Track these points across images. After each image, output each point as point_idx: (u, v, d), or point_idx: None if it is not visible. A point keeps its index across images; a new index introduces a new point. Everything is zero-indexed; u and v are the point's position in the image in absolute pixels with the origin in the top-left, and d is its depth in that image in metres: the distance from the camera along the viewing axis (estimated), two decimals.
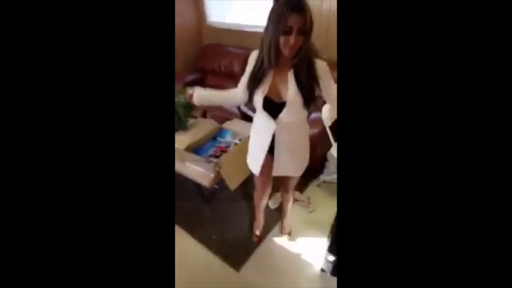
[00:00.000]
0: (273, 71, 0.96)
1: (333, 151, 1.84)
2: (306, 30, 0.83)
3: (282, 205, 1.60)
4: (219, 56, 2.88)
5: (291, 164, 1.18)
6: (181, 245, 1.63)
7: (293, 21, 0.80)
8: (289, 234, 1.67)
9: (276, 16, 0.82)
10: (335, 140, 1.83)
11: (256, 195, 1.45)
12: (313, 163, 2.03)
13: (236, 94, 1.11)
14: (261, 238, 1.66)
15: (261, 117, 1.07)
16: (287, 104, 0.97)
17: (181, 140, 1.69)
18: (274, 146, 1.10)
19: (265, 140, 1.09)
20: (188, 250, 1.63)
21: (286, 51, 0.87)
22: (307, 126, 1.16)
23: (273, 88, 0.98)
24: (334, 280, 1.39)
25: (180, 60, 2.98)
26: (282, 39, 0.84)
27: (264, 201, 1.48)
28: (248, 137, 1.25)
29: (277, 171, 1.18)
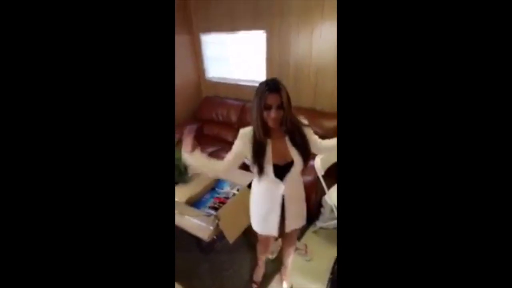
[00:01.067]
0: (270, 141, 1.10)
1: (327, 197, 1.92)
2: (283, 105, 1.01)
3: (282, 256, 1.63)
4: (216, 107, 3.10)
5: (297, 217, 1.31)
6: None
7: (272, 99, 1.00)
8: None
9: (258, 95, 1.01)
10: (328, 188, 1.93)
11: (260, 250, 1.52)
12: (309, 210, 2.09)
13: (225, 170, 1.18)
14: (260, 287, 1.67)
15: (266, 182, 1.16)
16: (294, 164, 1.12)
17: (182, 193, 1.77)
18: (285, 205, 1.21)
19: (276, 202, 1.20)
20: None
21: (270, 123, 1.04)
22: (301, 178, 1.28)
23: (276, 155, 1.11)
24: None
25: (180, 113, 3.21)
26: (265, 114, 1.02)
27: (269, 251, 1.55)
28: (246, 189, 1.34)
29: (289, 227, 1.29)
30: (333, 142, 1.20)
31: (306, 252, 1.90)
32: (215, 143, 2.87)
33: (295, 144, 1.11)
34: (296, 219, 1.30)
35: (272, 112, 1.00)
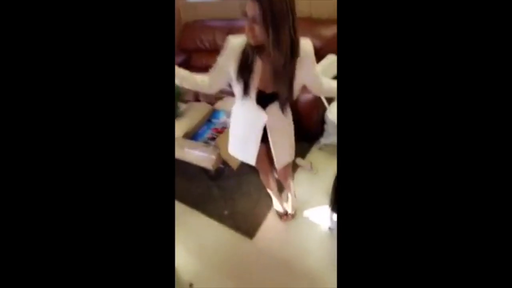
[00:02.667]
0: (260, 60, 0.91)
1: (329, 113, 1.84)
2: (263, 20, 0.76)
3: (284, 190, 1.55)
4: (200, 33, 2.77)
5: (287, 151, 1.20)
6: (196, 225, 1.73)
7: (247, 8, 0.78)
8: (293, 216, 1.63)
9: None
10: (328, 103, 1.82)
11: (262, 178, 1.45)
12: (312, 128, 2.06)
13: (208, 85, 1.01)
14: (291, 215, 1.63)
15: (247, 108, 1.03)
16: (280, 96, 0.96)
17: (178, 128, 1.71)
18: (269, 137, 1.09)
19: (256, 132, 1.08)
20: (203, 227, 1.74)
21: (249, 39, 0.84)
22: (289, 112, 1.12)
23: (263, 79, 0.93)
24: None
25: None
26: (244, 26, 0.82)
27: (273, 182, 1.48)
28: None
29: (279, 163, 1.20)
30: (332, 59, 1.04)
31: (311, 168, 1.93)
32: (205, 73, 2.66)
33: (276, 74, 0.90)
34: (284, 154, 1.20)
35: (247, 24, 0.79)
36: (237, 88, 0.97)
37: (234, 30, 2.53)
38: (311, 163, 1.97)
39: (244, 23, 0.81)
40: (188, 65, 2.83)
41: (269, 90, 0.96)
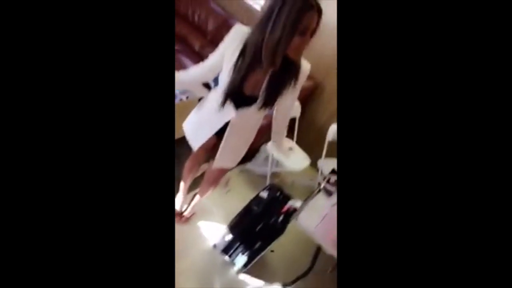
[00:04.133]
0: (259, 61, 0.85)
1: (269, 146, 1.92)
2: (317, 31, 0.76)
3: (199, 191, 1.47)
4: (197, 5, 2.62)
5: (232, 157, 1.17)
6: None
7: (310, 21, 0.74)
8: (186, 220, 1.54)
9: (289, 10, 0.72)
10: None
11: (186, 165, 1.36)
12: (247, 151, 2.10)
13: (208, 70, 0.98)
14: (186, 218, 1.53)
15: (219, 99, 0.97)
16: (258, 102, 0.93)
17: None
18: (225, 135, 1.05)
19: (216, 123, 1.03)
20: None
21: (293, 53, 0.79)
22: (260, 123, 1.11)
23: (250, 80, 0.90)
24: (220, 257, 1.47)
25: None
26: (296, 41, 0.75)
27: (191, 177, 1.40)
28: (197, 102, 1.16)
29: (218, 163, 1.15)
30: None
31: (226, 184, 1.92)
32: (177, 43, 2.47)
33: (276, 83, 0.88)
34: (229, 156, 1.15)
35: (307, 39, 0.75)
36: (224, 76, 0.92)
37: (226, 25, 2.50)
38: (229, 178, 1.96)
39: (298, 41, 0.76)
40: None
41: (249, 92, 0.93)
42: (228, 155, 1.14)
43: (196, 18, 2.61)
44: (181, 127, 1.19)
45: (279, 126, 1.12)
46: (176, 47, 2.39)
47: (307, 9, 0.72)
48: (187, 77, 1.01)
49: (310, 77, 2.17)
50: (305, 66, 0.93)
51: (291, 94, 0.95)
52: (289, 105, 1.03)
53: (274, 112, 1.07)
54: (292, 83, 0.91)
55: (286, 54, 0.80)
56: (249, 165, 2.15)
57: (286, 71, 0.88)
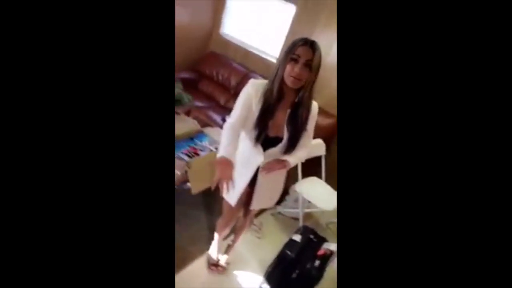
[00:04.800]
0: (278, 106, 0.97)
1: (297, 186, 1.93)
2: (313, 64, 0.88)
3: (235, 229, 1.50)
4: (220, 65, 2.96)
5: (268, 198, 1.22)
6: None
7: (302, 51, 0.88)
8: (223, 269, 1.55)
9: (290, 46, 0.91)
10: (302, 177, 1.94)
11: (221, 221, 1.39)
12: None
13: (238, 129, 1.03)
14: (221, 268, 1.55)
15: (249, 147, 1.04)
16: (283, 141, 1.01)
17: None
18: (257, 179, 1.09)
19: (249, 170, 1.07)
20: None
21: (289, 80, 0.90)
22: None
23: (274, 124, 0.99)
24: None
25: (181, 56, 3.00)
26: (288, 67, 0.89)
27: (227, 230, 1.44)
28: None
29: (255, 205, 1.18)
30: (316, 141, 1.14)
31: (260, 229, 1.91)
32: (205, 100, 2.76)
33: (293, 121, 0.97)
34: (265, 198, 1.20)
35: (297, 66, 0.88)
36: (248, 129, 1.01)
37: (246, 79, 2.75)
38: (261, 223, 1.95)
39: (290, 66, 0.89)
40: (194, 85, 2.93)
41: (273, 134, 1.01)
42: (265, 196, 1.19)
43: (220, 77, 2.93)
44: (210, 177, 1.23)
45: (297, 156, 1.11)
46: (204, 104, 2.66)
47: (300, 44, 0.89)
48: (230, 144, 1.00)
49: (331, 115, 2.31)
50: (314, 105, 1.02)
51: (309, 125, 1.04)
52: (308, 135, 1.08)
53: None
54: (306, 122, 1.00)
55: (283, 82, 0.93)
56: (279, 208, 2.14)
57: (299, 109, 0.98)
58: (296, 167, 1.90)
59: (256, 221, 1.95)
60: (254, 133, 1.01)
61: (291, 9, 2.52)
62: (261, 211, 2.06)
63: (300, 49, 0.88)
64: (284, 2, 2.56)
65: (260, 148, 1.04)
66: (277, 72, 0.93)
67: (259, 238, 1.88)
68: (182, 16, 2.79)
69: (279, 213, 2.13)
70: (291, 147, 1.03)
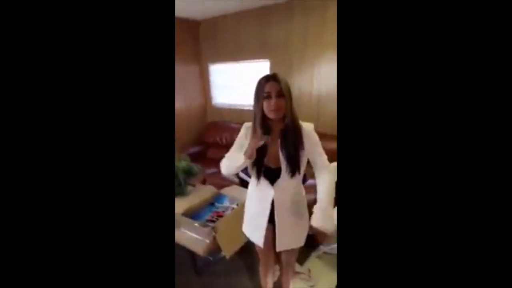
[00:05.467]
0: (270, 139, 1.03)
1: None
2: (283, 93, 0.98)
3: (281, 281, 1.42)
4: (221, 131, 3.16)
5: (293, 234, 1.16)
6: None
7: (270, 87, 0.98)
8: None
9: (257, 87, 1.01)
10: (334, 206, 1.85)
11: (261, 270, 1.36)
12: (312, 232, 1.99)
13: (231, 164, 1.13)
14: None
15: (258, 185, 1.10)
16: (282, 167, 1.05)
17: (179, 206, 1.71)
18: (275, 214, 1.10)
19: (264, 206, 1.10)
20: None
21: (271, 114, 0.99)
22: (303, 189, 1.17)
23: (269, 155, 1.05)
24: None
25: (186, 135, 3.27)
26: (265, 104, 0.99)
27: (270, 278, 1.37)
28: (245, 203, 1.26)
29: (281, 245, 1.13)
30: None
31: (309, 276, 1.75)
32: (217, 165, 2.83)
33: (285, 144, 1.03)
34: (290, 235, 1.14)
35: (272, 100, 0.97)
36: (253, 170, 1.09)
37: None
38: (309, 270, 1.79)
39: (266, 103, 0.99)
40: (203, 155, 3.09)
41: (274, 165, 1.06)
42: (287, 233, 1.14)
43: (224, 140, 3.10)
44: (241, 234, 1.25)
45: (321, 200, 1.08)
46: (217, 169, 2.74)
47: (265, 81, 0.99)
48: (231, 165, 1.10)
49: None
50: (307, 126, 1.08)
51: (308, 145, 1.07)
52: (315, 155, 1.10)
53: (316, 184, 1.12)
54: (299, 143, 1.04)
55: (266, 118, 1.02)
56: (323, 248, 1.98)
57: (287, 135, 1.04)
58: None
59: (302, 269, 1.80)
60: (255, 170, 1.08)
61: (266, 64, 2.80)
62: (305, 257, 1.92)
63: (268, 85, 0.99)
64: (257, 60, 2.86)
65: (266, 182, 1.09)
66: (258, 110, 1.02)
67: (312, 286, 1.70)
68: (179, 101, 3.15)
69: (325, 253, 1.96)
70: (292, 170, 1.04)
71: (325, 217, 1.04)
